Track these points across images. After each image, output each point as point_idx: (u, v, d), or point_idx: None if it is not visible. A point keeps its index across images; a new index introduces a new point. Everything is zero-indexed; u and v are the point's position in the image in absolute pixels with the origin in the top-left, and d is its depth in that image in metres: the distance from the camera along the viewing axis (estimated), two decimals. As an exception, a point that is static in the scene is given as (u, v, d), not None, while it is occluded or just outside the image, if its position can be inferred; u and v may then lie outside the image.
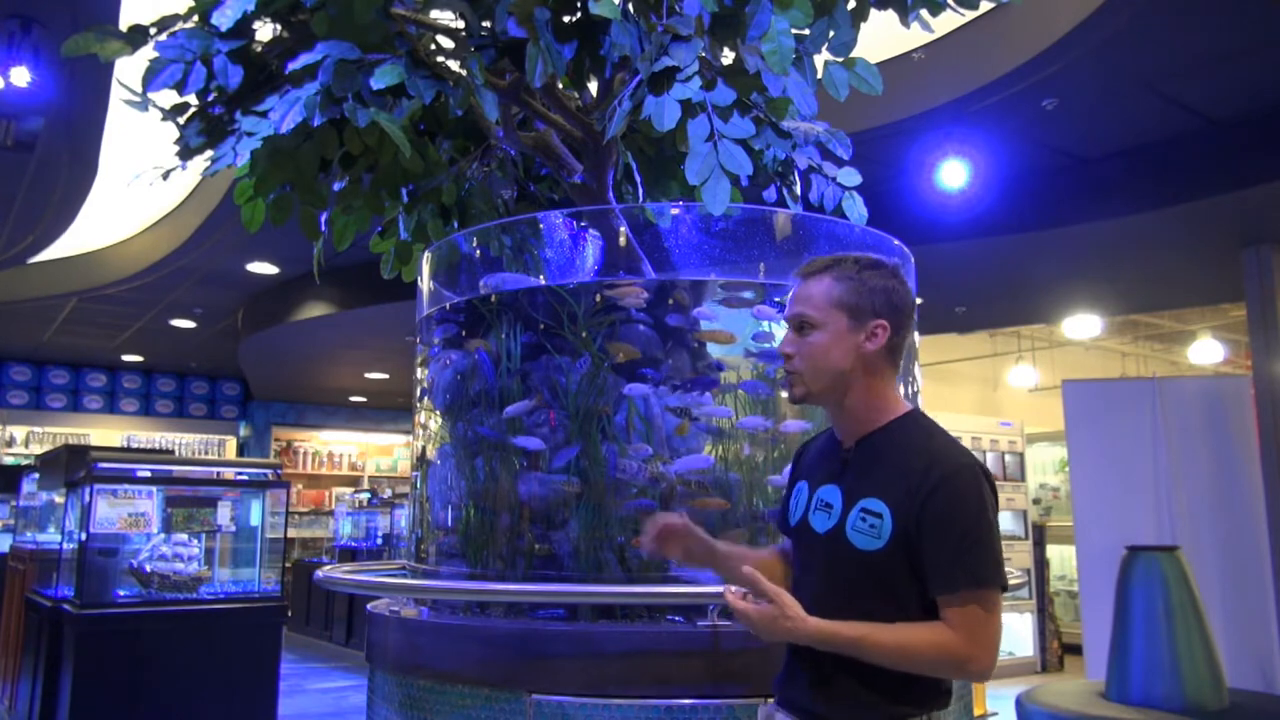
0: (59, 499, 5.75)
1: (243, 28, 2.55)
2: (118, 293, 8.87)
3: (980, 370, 10.93)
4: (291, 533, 10.56)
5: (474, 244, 3.00)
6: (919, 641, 1.50)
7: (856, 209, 2.88)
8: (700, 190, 2.29)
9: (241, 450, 13.87)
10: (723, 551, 1.76)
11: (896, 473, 1.56)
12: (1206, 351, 9.92)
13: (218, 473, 6.00)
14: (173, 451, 11.71)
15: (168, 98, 2.61)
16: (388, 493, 11.37)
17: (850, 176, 2.90)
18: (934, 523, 1.51)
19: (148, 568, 4.93)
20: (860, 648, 1.52)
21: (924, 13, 2.86)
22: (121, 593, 4.87)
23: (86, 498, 4.86)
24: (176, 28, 2.54)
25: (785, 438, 2.58)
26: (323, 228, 3.08)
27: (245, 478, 5.65)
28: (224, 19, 2.45)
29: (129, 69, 2.99)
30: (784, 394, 1.77)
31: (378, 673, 2.66)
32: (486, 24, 2.64)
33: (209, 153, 2.57)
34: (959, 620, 1.49)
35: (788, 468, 1.88)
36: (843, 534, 1.59)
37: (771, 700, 1.74)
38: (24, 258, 7.95)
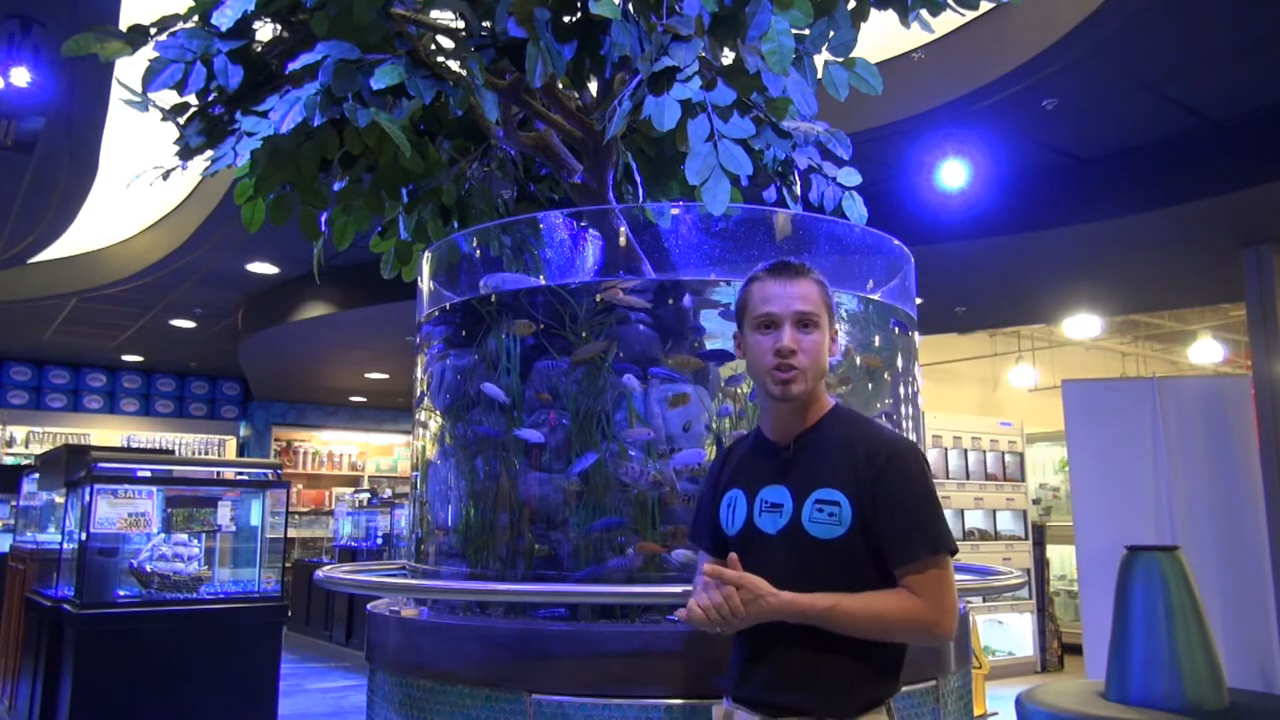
0: (59, 499, 5.75)
1: (243, 28, 2.55)
2: (118, 293, 8.87)
3: (980, 370, 10.94)
4: (291, 533, 10.56)
5: (474, 244, 2.99)
6: (888, 609, 1.59)
7: (856, 209, 2.88)
8: (700, 190, 2.29)
9: (241, 450, 13.87)
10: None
11: (845, 461, 1.65)
12: (1206, 351, 9.94)
13: (218, 473, 6.01)
14: (173, 451, 11.71)
15: (168, 98, 2.61)
16: (388, 493, 11.36)
17: (850, 176, 2.89)
18: (888, 499, 1.61)
19: (148, 568, 4.93)
20: (831, 617, 1.58)
21: (924, 13, 2.86)
22: (121, 593, 4.87)
23: (86, 498, 4.86)
24: (176, 28, 2.54)
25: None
26: (323, 228, 3.08)
27: (245, 478, 5.65)
28: (224, 19, 2.45)
29: (129, 69, 2.99)
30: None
31: (378, 673, 2.66)
32: (486, 24, 2.64)
33: (209, 153, 2.56)
34: (922, 586, 1.59)
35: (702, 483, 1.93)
36: (800, 528, 1.64)
37: (727, 700, 1.75)
38: (24, 258, 7.96)
